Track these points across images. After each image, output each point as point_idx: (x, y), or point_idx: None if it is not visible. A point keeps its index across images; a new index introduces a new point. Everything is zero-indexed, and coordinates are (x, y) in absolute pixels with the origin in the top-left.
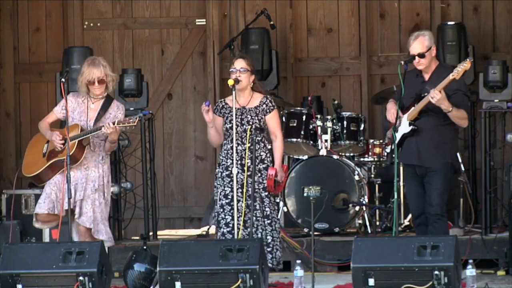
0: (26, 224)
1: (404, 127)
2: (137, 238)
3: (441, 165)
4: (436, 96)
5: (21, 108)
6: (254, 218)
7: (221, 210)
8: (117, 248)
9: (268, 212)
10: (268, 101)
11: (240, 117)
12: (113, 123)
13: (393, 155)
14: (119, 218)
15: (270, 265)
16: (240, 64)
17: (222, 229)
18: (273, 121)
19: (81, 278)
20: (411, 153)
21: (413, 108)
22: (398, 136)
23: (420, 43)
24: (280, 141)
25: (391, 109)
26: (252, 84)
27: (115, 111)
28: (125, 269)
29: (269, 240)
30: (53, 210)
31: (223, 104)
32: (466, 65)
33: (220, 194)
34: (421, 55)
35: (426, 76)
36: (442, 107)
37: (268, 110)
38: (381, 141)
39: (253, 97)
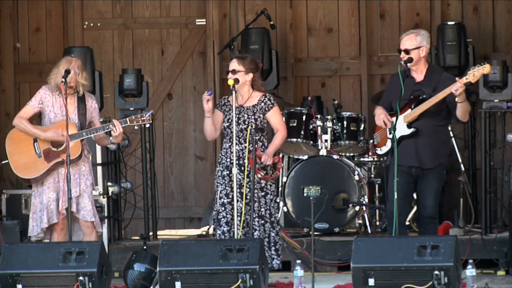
0: (26, 224)
1: (402, 129)
2: (137, 238)
3: (437, 166)
4: (460, 88)
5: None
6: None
7: (223, 208)
8: (117, 248)
9: (263, 213)
10: (266, 99)
11: (237, 116)
12: (121, 122)
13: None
14: (119, 218)
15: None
16: (232, 66)
17: (222, 228)
18: (274, 118)
19: (81, 278)
20: (409, 154)
21: (410, 110)
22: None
23: (409, 40)
24: (281, 133)
25: (381, 115)
26: (251, 82)
27: (90, 102)
28: (125, 269)
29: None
30: (52, 220)
31: (225, 101)
32: (486, 69)
33: (221, 193)
34: (407, 52)
35: (418, 78)
36: (459, 97)
37: (267, 108)
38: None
39: (252, 95)
